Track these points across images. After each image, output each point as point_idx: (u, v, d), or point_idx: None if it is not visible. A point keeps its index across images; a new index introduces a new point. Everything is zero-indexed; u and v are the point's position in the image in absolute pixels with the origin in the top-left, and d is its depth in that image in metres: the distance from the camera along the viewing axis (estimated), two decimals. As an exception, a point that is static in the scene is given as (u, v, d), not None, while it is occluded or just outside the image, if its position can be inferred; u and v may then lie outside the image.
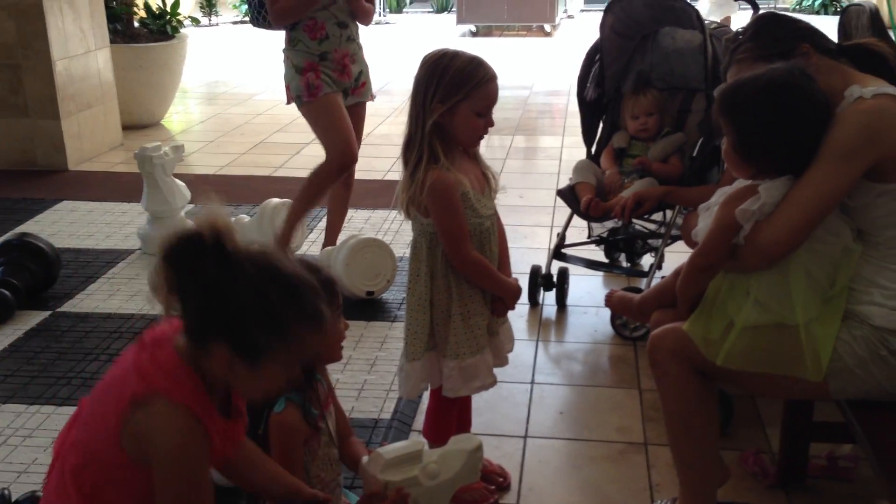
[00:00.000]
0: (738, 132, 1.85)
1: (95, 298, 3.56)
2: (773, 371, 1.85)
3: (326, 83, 3.32)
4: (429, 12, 14.63)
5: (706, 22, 3.30)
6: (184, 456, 1.34)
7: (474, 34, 12.02)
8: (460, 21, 11.98)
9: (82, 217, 4.55)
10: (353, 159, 3.44)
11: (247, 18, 12.93)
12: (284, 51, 3.40)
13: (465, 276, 2.13)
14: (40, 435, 2.61)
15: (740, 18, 5.05)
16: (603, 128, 3.56)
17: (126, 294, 3.60)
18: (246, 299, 1.32)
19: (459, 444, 1.81)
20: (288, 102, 3.50)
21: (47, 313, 3.41)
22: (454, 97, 2.01)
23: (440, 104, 2.02)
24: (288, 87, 3.42)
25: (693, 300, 1.94)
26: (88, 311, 3.44)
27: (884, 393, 1.83)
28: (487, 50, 10.71)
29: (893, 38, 2.78)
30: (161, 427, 1.33)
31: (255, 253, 1.37)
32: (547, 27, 12.06)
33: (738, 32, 3.00)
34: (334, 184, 3.51)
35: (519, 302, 3.40)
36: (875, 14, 2.61)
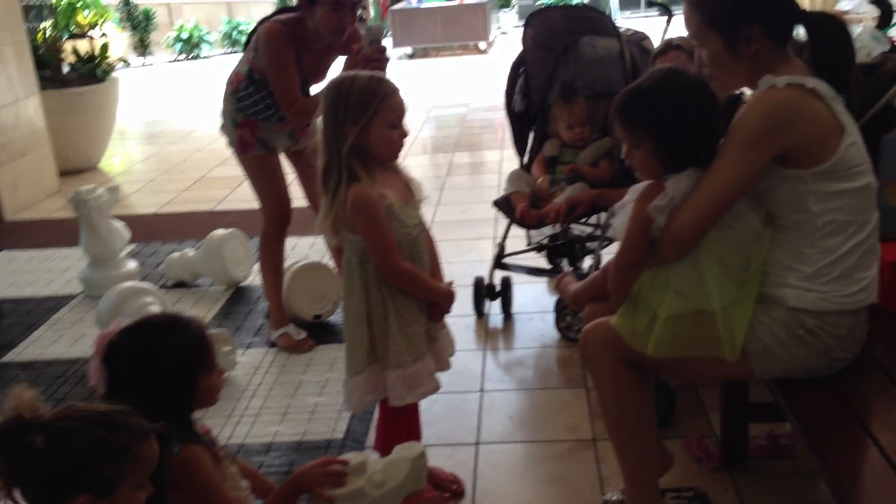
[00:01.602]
0: (653, 139, 1.90)
1: (39, 345, 3.53)
2: (696, 354, 1.92)
3: (261, 142, 3.19)
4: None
5: (623, 30, 3.41)
6: None
7: (411, 56, 12.15)
8: (396, 45, 12.09)
9: (21, 266, 4.50)
10: (287, 218, 3.33)
11: (181, 57, 12.94)
12: (225, 96, 3.21)
13: (397, 287, 2.17)
14: None
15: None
16: (533, 138, 3.65)
17: (70, 339, 3.57)
18: (82, 449, 1.39)
19: (403, 452, 1.84)
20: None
21: (-10, 364, 3.38)
22: (365, 115, 2.07)
23: (353, 125, 2.07)
24: (224, 129, 3.29)
25: (623, 300, 2.00)
26: (32, 359, 3.41)
27: (805, 370, 1.91)
28: (424, 71, 10.85)
29: None
30: None
31: (65, 411, 1.45)
32: (482, 45, 12.23)
33: (667, 42, 3.12)
34: (279, 243, 3.37)
35: (465, 313, 3.54)
36: None
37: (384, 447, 2.32)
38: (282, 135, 3.21)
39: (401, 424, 2.33)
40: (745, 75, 1.94)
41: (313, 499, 1.77)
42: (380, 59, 2.77)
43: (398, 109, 2.13)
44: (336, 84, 2.13)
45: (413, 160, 6.23)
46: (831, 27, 1.93)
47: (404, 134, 2.17)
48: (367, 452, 1.88)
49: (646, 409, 2.03)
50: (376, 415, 2.47)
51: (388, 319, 2.18)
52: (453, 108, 8.05)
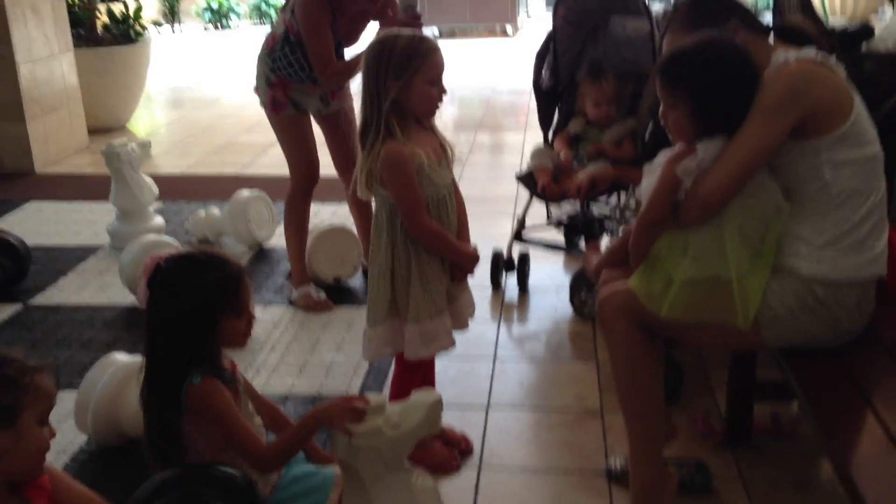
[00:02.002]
0: (693, 100, 1.97)
1: (66, 291, 3.63)
2: (708, 319, 1.98)
3: (293, 103, 3.25)
4: (392, 17, 14.75)
5: (657, 11, 3.45)
6: None
7: (438, 37, 12.15)
8: (423, 24, 12.11)
9: (49, 217, 4.60)
10: (315, 179, 3.39)
11: (209, 25, 13.00)
12: (260, 56, 3.28)
13: (422, 244, 2.23)
14: None
15: None
16: (559, 115, 3.69)
17: (96, 286, 3.67)
18: None
19: (420, 397, 1.90)
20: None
21: (19, 306, 3.48)
22: (407, 71, 2.13)
23: (395, 82, 2.13)
24: (257, 89, 3.36)
25: (642, 261, 2.06)
26: (59, 304, 3.50)
27: (814, 341, 1.97)
28: (451, 51, 10.86)
29: (820, 18, 2.95)
30: None
31: None
32: (509, 29, 12.23)
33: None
34: (304, 205, 3.44)
35: (482, 284, 3.60)
36: None
37: (397, 400, 2.39)
38: (313, 97, 3.28)
39: (415, 380, 2.40)
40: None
41: (331, 433, 1.84)
42: (414, 26, 2.83)
43: (438, 67, 2.19)
44: (379, 41, 2.19)
45: (437, 137, 6.29)
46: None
47: (443, 91, 2.23)
48: (384, 396, 1.95)
49: (656, 375, 2.09)
50: (391, 372, 2.55)
51: (410, 274, 2.25)
52: (478, 89, 8.09)
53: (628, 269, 2.10)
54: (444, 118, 6.96)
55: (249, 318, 1.89)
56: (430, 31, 12.19)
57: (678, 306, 1.99)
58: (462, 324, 2.42)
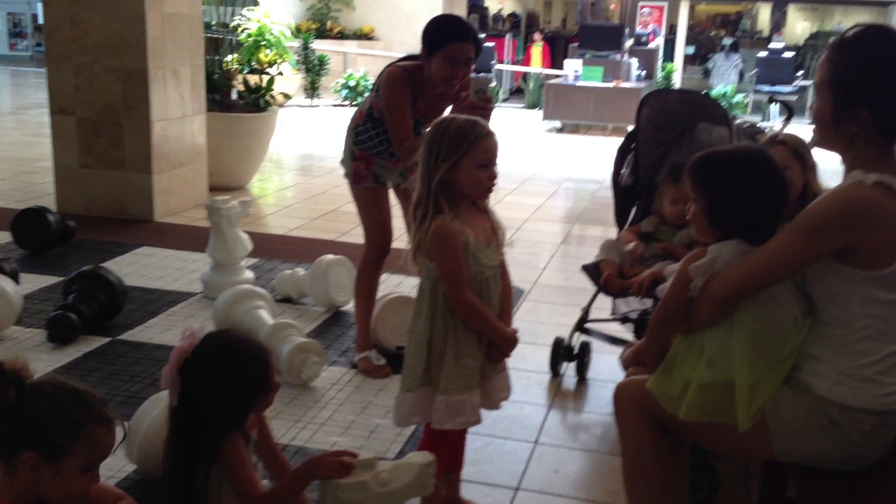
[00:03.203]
0: (708, 199, 2.02)
1: (152, 331, 3.89)
2: (721, 422, 1.96)
3: (374, 175, 3.45)
4: (520, 108, 15.13)
5: (740, 122, 3.50)
6: None
7: (560, 130, 12.38)
8: (546, 117, 12.38)
9: (157, 262, 4.95)
10: (387, 249, 3.56)
11: (345, 102, 13.72)
12: (348, 130, 3.50)
13: (461, 318, 2.32)
14: None
15: None
16: (635, 212, 3.75)
17: (180, 330, 3.90)
18: (45, 410, 1.59)
19: (413, 458, 1.97)
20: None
21: (107, 339, 3.76)
22: (456, 153, 2.26)
23: (444, 162, 2.27)
24: (343, 161, 3.60)
25: (658, 355, 2.08)
26: (144, 342, 3.77)
27: (826, 461, 1.93)
28: (569, 145, 11.06)
29: None
30: None
31: (46, 379, 1.68)
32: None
33: (774, 135, 3.19)
34: (375, 272, 3.61)
35: (541, 370, 3.64)
36: None
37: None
38: (394, 172, 3.47)
39: (441, 448, 2.45)
40: (840, 146, 1.95)
41: (321, 484, 1.93)
42: (484, 108, 2.98)
43: (488, 151, 2.31)
44: (436, 124, 2.35)
45: (533, 225, 6.40)
46: None
47: (493, 175, 2.34)
48: (376, 455, 2.02)
49: (665, 471, 2.08)
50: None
51: (446, 346, 2.33)
52: (586, 182, 8.20)
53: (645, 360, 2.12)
54: (547, 207, 7.08)
55: (276, 388, 2.07)
56: (552, 124, 12.46)
57: (695, 408, 1.99)
58: (492, 404, 2.48)
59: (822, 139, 2.00)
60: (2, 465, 1.62)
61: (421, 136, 3.37)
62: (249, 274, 4.42)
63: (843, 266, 1.87)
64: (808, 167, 3.02)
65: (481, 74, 12.66)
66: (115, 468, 2.72)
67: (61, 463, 1.60)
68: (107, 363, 3.52)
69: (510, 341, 2.42)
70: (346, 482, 1.88)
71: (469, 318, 2.34)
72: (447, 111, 3.27)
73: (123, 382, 3.34)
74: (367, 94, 3.55)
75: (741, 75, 16.37)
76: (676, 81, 14.78)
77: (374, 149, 3.40)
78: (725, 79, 15.66)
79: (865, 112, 1.87)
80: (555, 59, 17.73)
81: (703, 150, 2.11)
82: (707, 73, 18.38)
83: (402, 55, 3.51)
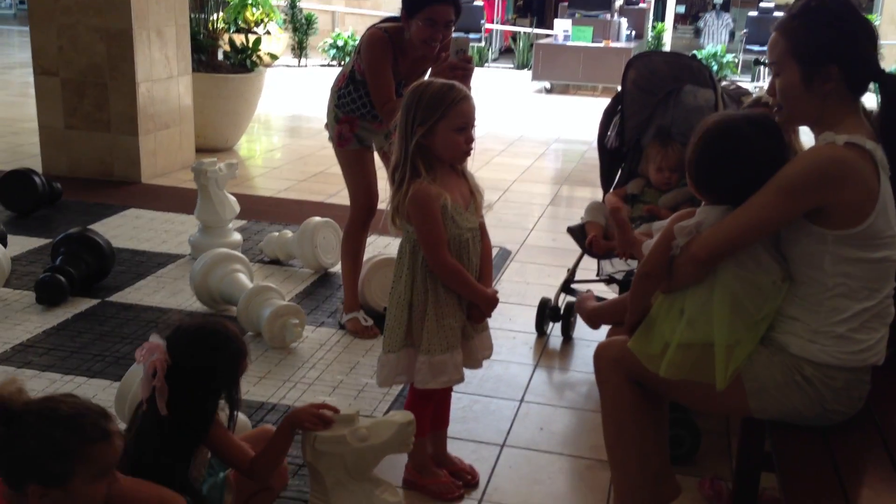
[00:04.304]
0: (693, 163, 2.05)
1: (141, 293, 3.91)
2: (699, 380, 2.01)
3: (357, 138, 3.47)
4: (509, 68, 15.05)
5: (726, 84, 3.51)
6: None
7: (548, 91, 12.34)
8: (535, 77, 12.32)
9: (145, 224, 4.95)
10: (373, 211, 3.59)
11: (333, 62, 13.62)
12: (331, 92, 3.51)
13: (441, 280, 2.36)
14: None
15: None
16: (620, 175, 3.77)
17: (169, 291, 3.94)
18: (34, 445, 1.59)
19: (393, 416, 2.01)
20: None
21: (96, 301, 3.78)
22: (432, 117, 2.27)
23: (420, 126, 2.28)
24: (327, 125, 3.61)
25: (639, 313, 2.12)
26: (133, 303, 3.79)
27: (801, 417, 1.98)
28: (558, 106, 11.03)
29: None
30: None
31: (35, 404, 1.64)
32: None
33: (758, 97, 3.21)
34: (361, 234, 3.63)
35: (527, 330, 3.69)
36: None
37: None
38: (378, 134, 3.47)
39: (426, 408, 2.51)
40: (812, 114, 1.98)
41: (302, 437, 1.97)
42: (464, 68, 2.98)
43: (465, 115, 2.32)
44: (413, 88, 2.35)
45: (521, 186, 6.42)
46: None
47: (470, 139, 2.36)
48: (357, 411, 2.05)
49: (645, 429, 2.13)
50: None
51: (426, 308, 2.37)
52: (575, 144, 8.19)
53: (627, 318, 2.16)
54: (535, 168, 7.09)
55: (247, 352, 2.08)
56: (541, 84, 12.41)
57: (674, 367, 2.03)
58: (475, 363, 2.52)
59: (791, 114, 2.04)
60: (14, 494, 1.64)
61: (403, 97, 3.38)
62: (237, 236, 4.43)
63: (816, 227, 1.91)
64: (793, 129, 3.04)
65: (467, 34, 12.56)
66: (107, 428, 2.76)
67: (68, 485, 1.61)
68: (96, 324, 3.55)
69: (490, 301, 2.45)
70: (324, 435, 1.91)
71: (448, 279, 2.37)
72: (428, 73, 3.27)
73: (114, 343, 3.37)
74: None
75: (732, 35, 16.29)
76: (666, 41, 14.67)
77: (357, 111, 3.40)
78: (716, 39, 15.60)
79: (835, 67, 1.92)
80: (543, 19, 17.60)
81: (715, 116, 2.10)
82: (697, 33, 18.28)
83: (390, 14, 3.49)
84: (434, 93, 2.29)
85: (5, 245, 4.08)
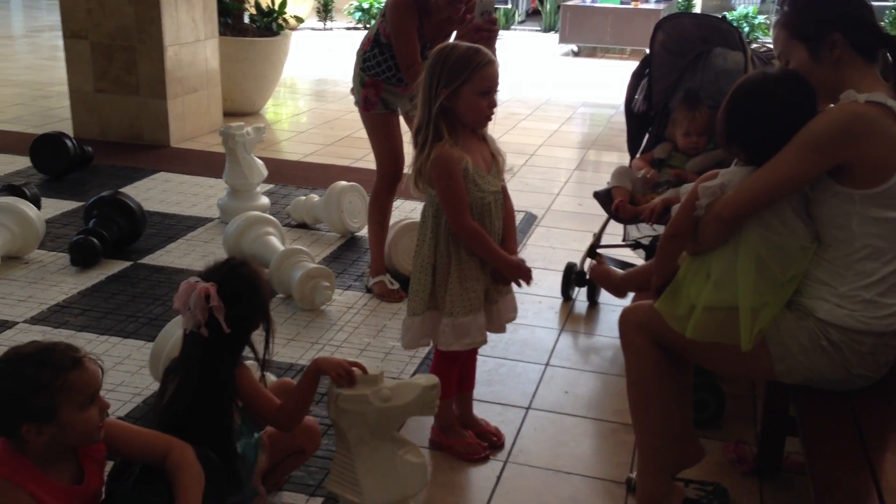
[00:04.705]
0: (722, 122, 2.05)
1: (172, 255, 3.97)
2: (725, 342, 2.02)
3: (383, 102, 3.48)
4: (536, 31, 14.89)
5: (757, 46, 3.46)
6: None
7: (576, 54, 12.21)
8: (563, 40, 12.19)
9: (174, 187, 5.01)
10: (399, 175, 3.59)
11: (359, 25, 13.54)
12: (357, 56, 3.53)
13: (462, 243, 2.37)
14: (105, 359, 2.91)
15: None
16: (647, 139, 3.75)
17: (199, 254, 4.00)
18: (11, 387, 1.66)
19: (417, 379, 2.03)
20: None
21: (128, 263, 3.84)
22: (457, 80, 2.28)
23: (445, 88, 2.29)
24: (353, 90, 3.62)
25: (665, 275, 2.14)
26: (164, 265, 3.85)
27: (825, 381, 1.99)
28: (585, 69, 10.92)
29: None
30: None
31: (5, 354, 1.72)
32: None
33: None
34: (388, 198, 3.65)
35: (553, 295, 3.71)
36: None
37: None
38: (403, 98, 3.48)
39: (451, 370, 2.54)
40: (829, 85, 2.01)
41: (328, 394, 2.01)
42: (489, 30, 2.97)
43: (489, 80, 2.32)
44: (438, 50, 2.35)
45: (547, 150, 6.40)
46: None
47: (493, 104, 2.37)
48: (382, 372, 2.06)
49: (668, 391, 2.16)
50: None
51: (449, 271, 2.39)
52: (602, 108, 8.13)
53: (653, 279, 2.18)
54: (561, 132, 7.06)
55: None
56: (568, 47, 12.28)
57: (700, 328, 2.05)
58: (499, 327, 2.54)
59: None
60: (9, 441, 1.71)
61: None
62: (265, 200, 4.48)
63: (843, 187, 1.94)
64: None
65: (496, -4, 12.42)
66: (142, 386, 2.84)
67: (57, 418, 1.67)
68: (129, 286, 3.61)
69: (512, 266, 2.44)
70: (347, 393, 1.94)
71: (470, 243, 2.39)
72: (453, 35, 3.26)
73: (146, 305, 3.44)
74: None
75: (764, -5, 15.98)
76: (697, 2, 14.44)
77: (382, 74, 3.41)
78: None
79: (838, 34, 1.99)
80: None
81: (746, 75, 2.12)
82: (729, -6, 17.94)
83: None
84: (460, 56, 2.30)
85: (39, 207, 4.14)
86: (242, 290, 2.01)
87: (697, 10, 13.80)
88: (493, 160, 2.45)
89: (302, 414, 2.07)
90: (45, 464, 1.72)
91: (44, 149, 4.99)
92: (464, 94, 2.30)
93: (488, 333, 2.49)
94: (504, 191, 2.49)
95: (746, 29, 12.46)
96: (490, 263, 2.43)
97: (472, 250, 2.39)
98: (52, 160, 4.99)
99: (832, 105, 2.01)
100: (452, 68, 2.29)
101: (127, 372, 2.93)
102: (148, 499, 1.81)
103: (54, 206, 4.49)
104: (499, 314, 2.52)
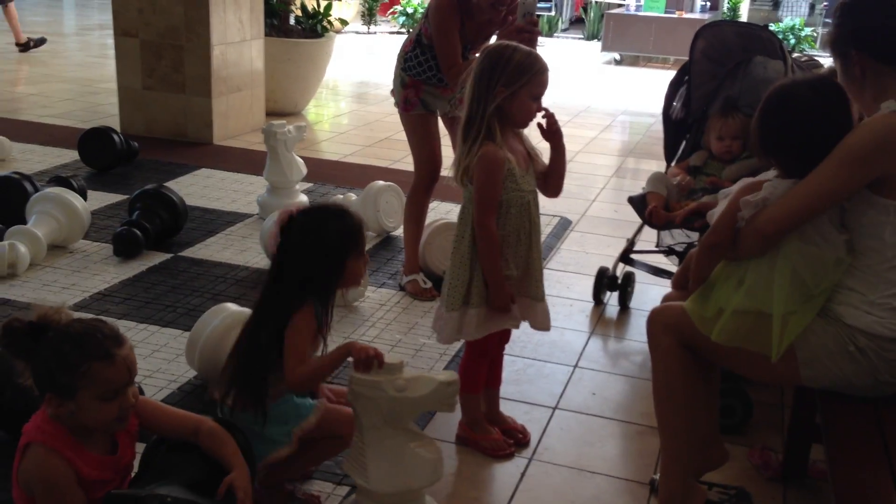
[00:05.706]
0: (756, 129, 2.07)
1: (211, 249, 4.06)
2: (751, 349, 2.03)
3: (423, 103, 3.52)
4: (579, 38, 14.89)
5: (797, 55, 3.45)
6: (48, 481, 1.75)
7: (618, 62, 12.19)
8: (605, 48, 12.18)
9: (216, 183, 5.11)
10: (436, 175, 3.63)
11: (402, 30, 13.65)
12: (398, 57, 3.59)
13: (477, 238, 2.41)
14: (143, 347, 3.07)
15: None
16: (684, 147, 3.76)
17: (237, 248, 4.08)
18: (47, 356, 1.76)
19: (436, 374, 2.03)
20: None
21: (169, 255, 3.94)
22: (517, 82, 2.34)
23: (504, 88, 2.34)
24: (393, 91, 3.68)
25: (702, 283, 2.15)
26: (203, 258, 3.94)
27: (851, 387, 1.99)
28: (626, 78, 10.90)
29: None
30: (30, 465, 1.77)
31: (64, 324, 1.79)
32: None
33: (831, 69, 3.18)
34: (425, 198, 3.70)
35: (585, 298, 3.73)
36: None
37: (462, 384, 2.57)
38: (443, 99, 3.53)
39: (481, 364, 2.59)
40: (860, 97, 2.06)
41: (349, 378, 2.05)
42: (531, 32, 3.01)
43: (543, 85, 2.40)
44: (496, 49, 2.40)
45: (585, 157, 6.41)
46: None
47: (540, 108, 2.43)
48: (404, 362, 2.06)
49: (694, 394, 2.16)
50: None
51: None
52: (642, 116, 8.12)
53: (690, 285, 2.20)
54: (600, 140, 7.06)
55: (366, 261, 2.21)
56: (610, 55, 12.26)
57: (727, 332, 2.06)
58: (542, 324, 2.58)
59: (854, 103, 2.10)
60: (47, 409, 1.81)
61: (469, 60, 3.42)
62: (303, 197, 4.55)
63: (879, 197, 1.94)
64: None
65: (537, 1, 12.45)
66: (178, 373, 2.91)
67: (77, 398, 1.76)
68: (169, 277, 3.70)
69: (499, 288, 2.43)
70: (362, 377, 1.96)
71: (482, 241, 2.42)
72: (493, 38, 3.30)
73: (185, 296, 3.52)
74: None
75: (812, 7, 15.80)
76: (743, 13, 14.32)
77: (423, 75, 3.46)
78: (795, 11, 15.16)
79: (853, 50, 2.03)
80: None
81: (779, 81, 2.13)
82: (776, 5, 17.74)
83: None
84: (522, 59, 2.35)
85: (85, 199, 4.26)
86: (310, 228, 2.08)
87: (743, 20, 13.68)
88: (530, 158, 2.49)
89: (314, 381, 2.13)
90: (80, 434, 1.80)
91: (91, 143, 5.13)
92: (520, 96, 2.36)
93: (518, 339, 2.53)
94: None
95: (793, 41, 12.34)
96: (484, 273, 2.45)
97: (479, 250, 2.43)
98: (100, 154, 5.13)
99: (872, 117, 2.00)
100: (515, 70, 2.34)
101: (164, 360, 3.01)
102: (179, 463, 1.89)
103: (100, 199, 4.61)
104: (541, 314, 2.55)
